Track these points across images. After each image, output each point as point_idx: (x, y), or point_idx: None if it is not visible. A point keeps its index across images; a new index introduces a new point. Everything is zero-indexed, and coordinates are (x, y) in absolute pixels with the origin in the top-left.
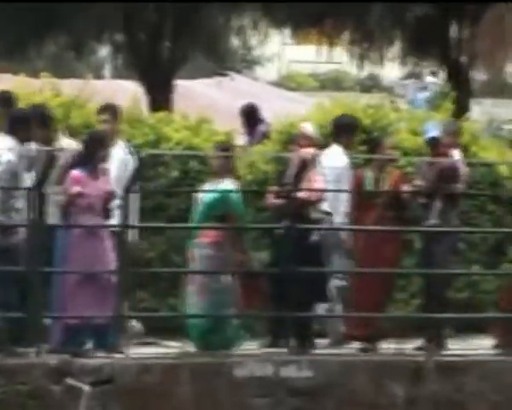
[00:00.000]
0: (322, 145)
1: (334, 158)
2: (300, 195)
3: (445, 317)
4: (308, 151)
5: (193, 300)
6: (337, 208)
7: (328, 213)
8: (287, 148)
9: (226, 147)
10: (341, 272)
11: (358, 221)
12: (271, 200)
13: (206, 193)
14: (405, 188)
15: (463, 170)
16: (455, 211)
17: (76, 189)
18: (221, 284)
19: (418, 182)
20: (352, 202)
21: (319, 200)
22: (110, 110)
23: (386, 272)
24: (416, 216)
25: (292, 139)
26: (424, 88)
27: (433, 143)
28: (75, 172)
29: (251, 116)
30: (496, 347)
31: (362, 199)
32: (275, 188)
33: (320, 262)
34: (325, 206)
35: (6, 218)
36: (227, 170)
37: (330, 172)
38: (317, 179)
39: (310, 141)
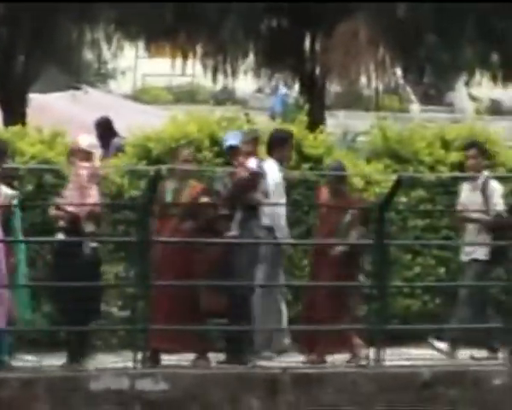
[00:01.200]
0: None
1: (269, 172)
2: (72, 209)
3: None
4: (85, 166)
5: None
6: (277, 224)
7: None
8: (141, 161)
9: None
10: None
11: (157, 232)
12: (52, 212)
13: None
14: (204, 199)
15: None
16: (256, 221)
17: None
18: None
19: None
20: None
21: (91, 214)
22: None
23: (184, 284)
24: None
25: (71, 152)
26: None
27: (232, 153)
28: None
29: (105, 129)
30: (350, 360)
31: (162, 209)
32: (56, 200)
33: (94, 276)
34: (266, 220)
35: None
36: None
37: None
38: (92, 194)
39: (85, 154)
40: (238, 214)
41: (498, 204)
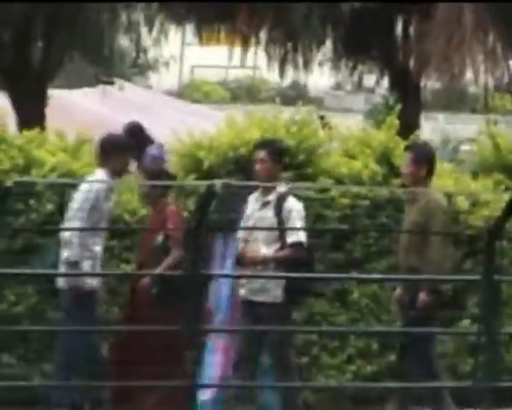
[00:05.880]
0: None
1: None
2: None
3: None
4: None
5: None
6: None
7: None
8: (189, 175)
9: None
10: None
11: None
12: None
13: None
14: None
15: None
16: None
17: None
18: None
19: None
20: None
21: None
22: None
23: None
24: None
25: None
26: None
27: None
28: None
29: (137, 137)
30: None
31: None
32: None
33: None
34: None
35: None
36: None
37: None
38: None
39: None
40: None
41: (294, 232)
